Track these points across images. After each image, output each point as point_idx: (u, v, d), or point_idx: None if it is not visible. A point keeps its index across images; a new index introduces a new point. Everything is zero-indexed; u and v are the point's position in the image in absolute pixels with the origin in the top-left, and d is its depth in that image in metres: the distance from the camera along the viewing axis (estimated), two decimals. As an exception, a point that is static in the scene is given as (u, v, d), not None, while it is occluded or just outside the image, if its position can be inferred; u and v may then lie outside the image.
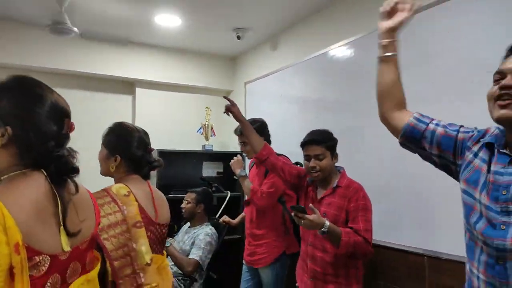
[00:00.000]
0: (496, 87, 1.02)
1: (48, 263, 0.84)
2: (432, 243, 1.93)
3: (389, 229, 2.13)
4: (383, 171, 2.24)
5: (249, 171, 2.74)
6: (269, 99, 3.46)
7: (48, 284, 0.84)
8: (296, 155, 2.82)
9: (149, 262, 1.32)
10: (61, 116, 0.95)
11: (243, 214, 2.92)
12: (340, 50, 2.65)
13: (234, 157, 2.57)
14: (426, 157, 1.24)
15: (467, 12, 1.86)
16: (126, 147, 1.47)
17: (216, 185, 3.68)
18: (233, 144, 4.04)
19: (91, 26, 3.20)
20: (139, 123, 3.55)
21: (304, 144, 1.97)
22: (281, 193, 2.39)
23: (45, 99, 0.92)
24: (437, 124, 1.20)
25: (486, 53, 1.76)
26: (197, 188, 3.01)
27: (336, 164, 1.97)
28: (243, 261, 2.61)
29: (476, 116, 1.79)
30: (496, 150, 1.05)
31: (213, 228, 2.86)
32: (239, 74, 4.09)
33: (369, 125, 2.36)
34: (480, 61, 1.78)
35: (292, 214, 1.76)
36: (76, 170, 0.96)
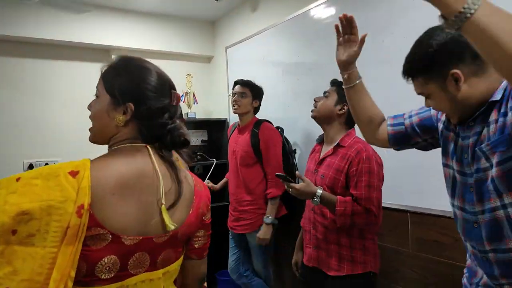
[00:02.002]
0: None
1: (109, 241, 0.80)
2: (414, 200, 1.97)
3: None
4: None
5: (229, 137, 2.71)
6: (251, 63, 3.38)
7: (103, 262, 0.80)
8: (279, 119, 2.81)
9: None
10: (169, 88, 0.98)
11: (225, 179, 2.92)
12: (320, 9, 2.57)
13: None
14: (426, 146, 1.28)
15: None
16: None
17: (201, 153, 3.67)
18: (217, 111, 3.99)
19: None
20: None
21: (333, 83, 1.90)
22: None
23: (153, 73, 0.96)
24: (410, 117, 1.27)
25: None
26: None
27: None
28: (229, 228, 2.64)
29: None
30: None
31: None
32: (219, 39, 3.96)
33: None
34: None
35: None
36: (187, 143, 0.96)
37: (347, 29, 1.33)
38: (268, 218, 2.34)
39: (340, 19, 1.32)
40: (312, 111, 1.85)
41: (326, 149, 1.79)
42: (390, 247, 2.10)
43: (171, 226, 0.86)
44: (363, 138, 1.70)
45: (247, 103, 2.50)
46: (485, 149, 0.95)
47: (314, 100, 1.87)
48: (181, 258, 0.99)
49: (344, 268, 1.66)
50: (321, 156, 1.79)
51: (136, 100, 0.90)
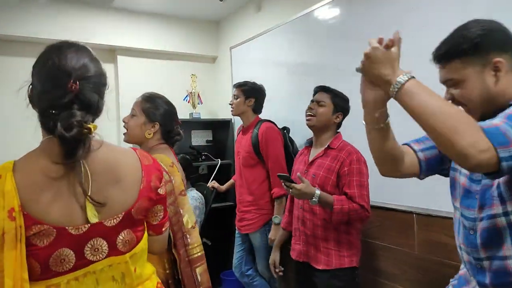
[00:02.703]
0: None
1: (54, 235, 0.80)
2: (420, 201, 1.96)
3: (376, 190, 2.15)
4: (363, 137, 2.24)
5: (236, 137, 2.72)
6: (255, 64, 3.37)
7: (54, 256, 0.81)
8: (283, 120, 2.80)
9: (193, 225, 1.45)
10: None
11: (232, 180, 2.92)
12: (324, 9, 2.56)
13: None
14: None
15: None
16: (164, 116, 1.55)
17: (206, 153, 3.67)
18: (221, 111, 3.99)
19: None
20: (122, 92, 3.50)
21: (315, 92, 1.98)
22: None
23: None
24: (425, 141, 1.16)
25: (470, 5, 1.72)
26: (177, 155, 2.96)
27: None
28: (236, 228, 2.65)
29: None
30: None
31: (198, 192, 2.87)
32: (223, 39, 3.96)
33: (354, 88, 2.33)
34: (465, 13, 1.73)
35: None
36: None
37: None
38: (277, 218, 2.35)
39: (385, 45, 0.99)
40: (308, 119, 1.92)
41: (316, 151, 1.93)
42: (395, 248, 2.09)
43: (94, 220, 0.85)
44: (348, 141, 1.90)
45: (239, 103, 2.52)
46: None
47: (309, 107, 1.94)
48: (145, 237, 0.99)
49: (332, 262, 1.79)
50: (312, 158, 1.92)
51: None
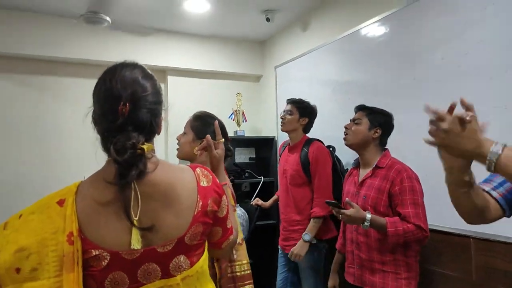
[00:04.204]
0: None
1: (108, 259, 0.82)
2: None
3: (430, 211, 2.05)
4: (419, 152, 2.14)
5: (280, 155, 2.71)
6: (300, 83, 3.39)
7: (109, 279, 0.82)
8: (329, 138, 2.77)
9: (240, 242, 1.42)
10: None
11: (275, 196, 2.90)
12: (373, 27, 2.54)
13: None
14: None
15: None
16: (212, 133, 1.55)
17: (248, 170, 3.70)
18: (265, 129, 4.02)
19: (121, 15, 3.23)
20: (172, 111, 3.64)
21: (355, 112, 1.99)
22: None
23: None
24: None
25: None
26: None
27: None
28: (279, 246, 2.61)
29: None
30: None
31: (242, 208, 2.87)
32: (268, 58, 4.03)
33: (403, 107, 2.27)
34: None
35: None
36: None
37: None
38: (306, 235, 2.30)
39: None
40: (344, 139, 1.93)
41: (365, 171, 1.88)
42: (450, 274, 1.97)
43: (137, 246, 0.83)
44: (397, 158, 1.84)
45: (293, 120, 2.49)
46: None
47: (345, 127, 1.94)
48: (204, 258, 0.96)
49: (389, 284, 1.70)
50: (361, 178, 1.88)
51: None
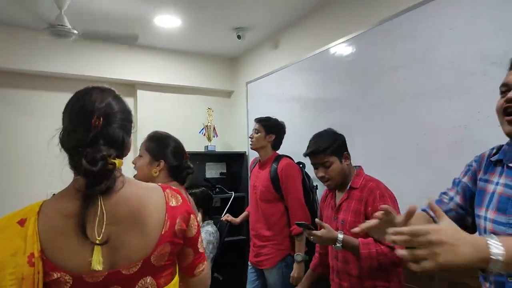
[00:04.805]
0: (503, 100, 1.03)
1: (71, 283, 0.79)
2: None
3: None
4: (389, 168, 2.21)
5: (251, 170, 2.72)
6: (271, 99, 3.44)
7: None
8: (299, 155, 2.80)
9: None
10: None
11: (246, 212, 2.90)
12: (341, 47, 2.63)
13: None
14: (471, 226, 1.15)
15: (469, 3, 1.83)
16: (169, 153, 1.55)
17: (219, 186, 3.67)
18: (236, 144, 4.03)
19: (90, 28, 3.18)
20: (141, 126, 3.57)
21: (307, 155, 1.83)
22: None
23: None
24: (451, 199, 1.18)
25: (488, 45, 1.74)
26: (198, 189, 2.96)
27: (354, 165, 1.82)
28: (249, 262, 2.60)
29: (479, 106, 1.77)
30: (505, 165, 1.05)
31: (214, 225, 2.85)
32: (240, 74, 4.07)
33: (369, 124, 2.34)
34: (482, 53, 1.76)
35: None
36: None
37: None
38: (298, 255, 2.30)
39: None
40: (325, 181, 1.78)
41: (341, 194, 1.80)
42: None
43: (97, 267, 0.80)
44: (370, 175, 1.77)
45: (259, 138, 2.53)
46: None
47: (320, 171, 1.78)
48: (174, 283, 0.93)
49: None
50: (338, 201, 1.79)
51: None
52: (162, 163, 1.55)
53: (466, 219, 1.15)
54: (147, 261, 0.86)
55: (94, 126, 0.84)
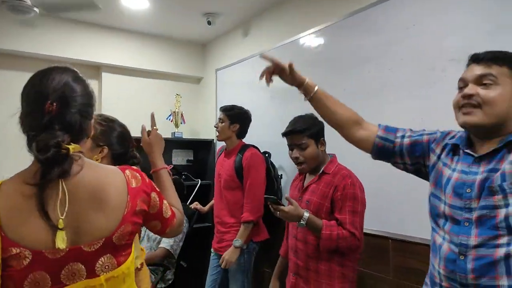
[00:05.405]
0: (459, 95, 1.09)
1: (30, 258, 0.80)
2: (396, 227, 2.00)
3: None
4: (350, 158, 2.28)
5: (217, 158, 2.72)
6: (241, 87, 3.43)
7: (29, 279, 0.80)
8: (267, 144, 2.84)
9: (139, 266, 1.35)
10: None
11: (212, 201, 2.91)
12: (310, 38, 2.66)
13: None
14: (399, 167, 1.30)
15: (431, 0, 1.91)
16: (113, 139, 1.42)
17: (185, 173, 3.65)
18: (204, 131, 4.00)
19: (53, 6, 3.03)
20: (106, 109, 3.48)
21: (285, 134, 1.84)
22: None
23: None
24: (402, 137, 1.27)
25: (448, 41, 1.81)
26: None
27: (329, 153, 1.86)
28: (212, 249, 2.62)
29: (438, 102, 1.86)
30: (461, 151, 1.12)
31: (184, 215, 2.85)
32: (209, 61, 4.03)
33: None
34: (442, 49, 1.83)
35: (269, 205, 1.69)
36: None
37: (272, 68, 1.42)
38: (238, 241, 2.34)
39: (264, 58, 1.43)
40: (299, 163, 1.81)
41: (310, 177, 1.84)
42: (370, 273, 2.11)
43: (61, 245, 0.82)
44: (344, 165, 1.82)
45: (224, 127, 2.53)
46: (507, 188, 0.97)
47: (295, 152, 1.81)
48: (131, 260, 0.96)
49: None
50: (306, 183, 1.83)
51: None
52: (106, 149, 1.39)
53: (393, 155, 1.27)
54: (109, 239, 0.89)
55: (48, 111, 0.84)
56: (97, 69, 3.63)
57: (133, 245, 0.99)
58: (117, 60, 3.62)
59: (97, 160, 1.34)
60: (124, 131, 1.48)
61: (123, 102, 3.65)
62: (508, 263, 0.95)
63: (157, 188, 1.07)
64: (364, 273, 2.15)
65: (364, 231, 2.09)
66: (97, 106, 3.10)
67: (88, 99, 0.93)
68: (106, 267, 0.89)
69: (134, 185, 0.97)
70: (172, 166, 3.48)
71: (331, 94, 1.41)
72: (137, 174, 1.00)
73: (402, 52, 2.03)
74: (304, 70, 2.65)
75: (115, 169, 0.98)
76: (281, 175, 2.73)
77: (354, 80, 2.30)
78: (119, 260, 0.92)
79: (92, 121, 0.96)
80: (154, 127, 1.41)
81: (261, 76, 1.40)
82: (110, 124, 1.44)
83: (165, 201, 1.10)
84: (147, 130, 1.40)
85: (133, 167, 1.03)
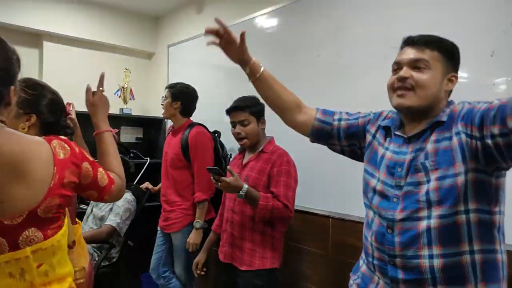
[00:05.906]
0: (394, 77, 1.14)
1: None
2: (336, 206, 2.12)
3: (298, 194, 2.28)
4: (299, 140, 2.36)
5: (166, 136, 2.69)
6: (193, 65, 3.37)
7: None
8: (219, 123, 2.83)
9: (71, 244, 1.28)
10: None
11: None
12: (262, 19, 2.65)
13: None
14: (335, 149, 1.36)
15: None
16: (43, 106, 1.29)
17: (134, 151, 3.57)
18: (154, 109, 3.90)
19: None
20: (47, 81, 3.26)
21: (229, 111, 1.98)
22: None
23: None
24: (339, 120, 1.33)
25: (390, 30, 1.88)
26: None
27: (268, 135, 1.99)
28: (158, 227, 2.62)
29: (378, 86, 1.95)
30: (392, 132, 1.19)
31: (132, 194, 2.80)
32: (162, 36, 3.90)
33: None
34: (384, 37, 1.91)
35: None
36: None
37: (222, 33, 1.35)
38: (198, 222, 2.35)
39: (218, 21, 1.34)
40: (241, 138, 1.94)
41: (249, 155, 1.98)
42: (310, 249, 2.23)
43: None
44: (280, 146, 1.95)
45: (167, 105, 2.49)
46: (429, 165, 1.05)
47: (238, 128, 1.93)
48: (62, 233, 0.94)
49: (255, 263, 1.85)
50: (245, 161, 1.97)
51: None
52: (34, 117, 1.26)
53: (331, 137, 1.33)
54: (33, 212, 0.86)
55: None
56: (38, 37, 3.38)
57: (66, 219, 0.96)
58: (61, 29, 3.40)
59: (23, 129, 1.23)
60: (55, 98, 1.35)
61: (66, 74, 3.44)
62: (429, 235, 1.04)
63: (89, 157, 1.03)
64: (304, 250, 2.26)
65: (306, 210, 2.20)
66: (37, 77, 2.93)
67: (6, 62, 0.86)
68: (31, 240, 0.87)
69: (62, 156, 0.93)
70: (118, 130, 3.37)
71: (278, 76, 1.44)
72: (66, 144, 0.96)
73: (348, 38, 2.10)
74: (258, 51, 2.67)
75: (39, 139, 0.93)
76: (231, 154, 2.75)
77: (304, 64, 2.35)
78: (46, 234, 0.90)
79: (13, 87, 0.89)
80: (100, 89, 1.35)
81: (207, 31, 1.33)
82: (39, 91, 1.30)
83: (100, 169, 1.06)
84: (92, 90, 1.34)
85: (61, 137, 0.98)
